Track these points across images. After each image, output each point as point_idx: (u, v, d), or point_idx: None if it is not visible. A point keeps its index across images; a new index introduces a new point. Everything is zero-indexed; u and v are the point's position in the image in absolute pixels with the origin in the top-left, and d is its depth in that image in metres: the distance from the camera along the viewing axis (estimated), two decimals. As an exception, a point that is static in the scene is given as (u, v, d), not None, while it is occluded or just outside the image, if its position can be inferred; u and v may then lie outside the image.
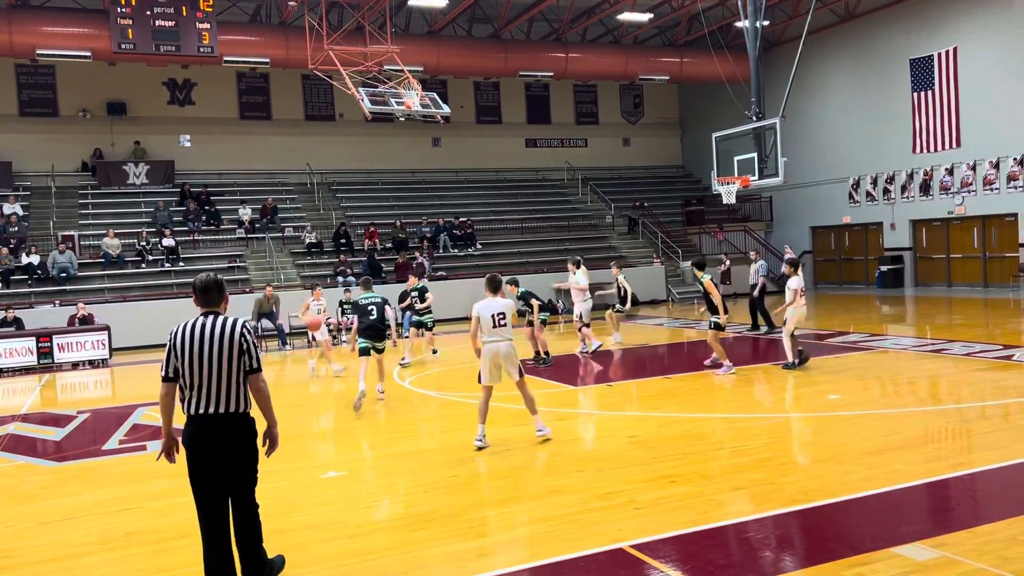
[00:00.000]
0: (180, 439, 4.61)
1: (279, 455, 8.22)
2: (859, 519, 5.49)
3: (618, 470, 6.87)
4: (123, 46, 20.17)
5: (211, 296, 4.74)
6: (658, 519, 5.54)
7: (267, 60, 23.59)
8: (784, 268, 13.07)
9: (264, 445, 4.71)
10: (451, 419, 9.61)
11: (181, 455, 4.66)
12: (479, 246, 26.44)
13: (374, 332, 10.58)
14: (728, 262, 21.44)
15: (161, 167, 26.36)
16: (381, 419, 9.99)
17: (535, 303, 13.86)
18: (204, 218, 24.87)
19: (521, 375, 7.98)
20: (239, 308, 19.55)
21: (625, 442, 7.95)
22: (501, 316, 7.83)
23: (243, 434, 4.57)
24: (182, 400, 4.56)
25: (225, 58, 22.75)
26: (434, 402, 11.04)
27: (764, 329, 16.32)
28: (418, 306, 15.14)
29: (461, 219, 27.23)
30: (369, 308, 10.64)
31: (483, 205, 29.31)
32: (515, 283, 13.99)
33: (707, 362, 12.37)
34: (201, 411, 4.49)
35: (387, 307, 10.96)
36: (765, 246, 29.67)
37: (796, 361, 11.64)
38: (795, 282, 11.94)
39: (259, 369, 4.61)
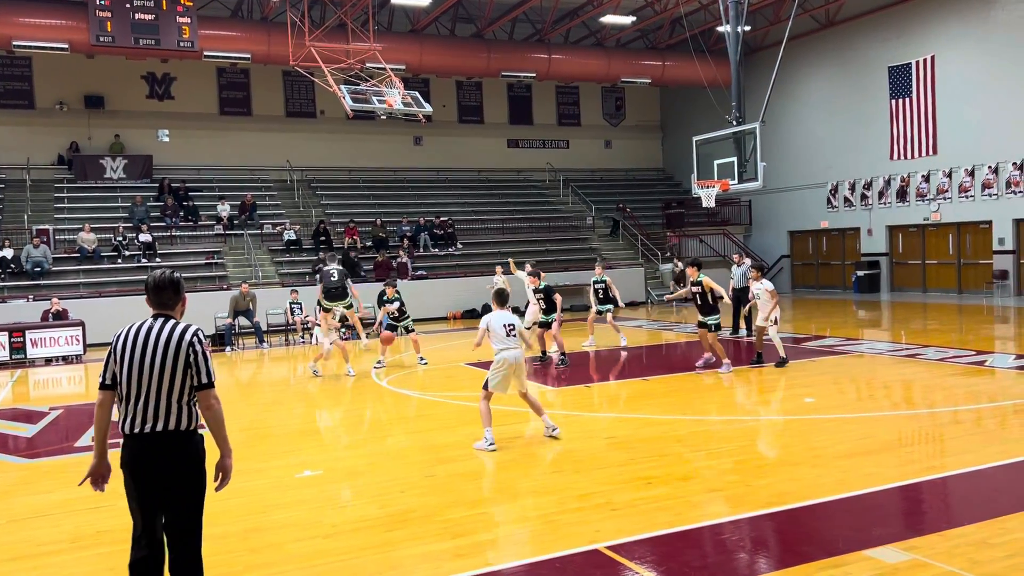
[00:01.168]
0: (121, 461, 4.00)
1: (256, 454, 8.19)
2: (833, 522, 5.54)
3: (595, 471, 6.89)
4: (101, 39, 19.93)
5: (164, 297, 4.11)
6: (634, 520, 5.56)
7: (248, 56, 23.43)
8: (751, 274, 13.14)
9: (216, 480, 4.11)
10: (429, 419, 9.59)
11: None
12: (460, 246, 26.41)
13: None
14: (680, 264, 21.71)
15: (139, 161, 26.09)
16: (359, 418, 9.95)
17: (558, 299, 13.55)
18: (182, 214, 24.65)
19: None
20: (217, 305, 19.41)
21: (603, 443, 7.98)
22: (511, 327, 8.06)
23: (186, 457, 3.95)
24: (118, 416, 3.99)
25: (205, 53, 22.55)
26: (412, 402, 11.01)
27: (743, 332, 16.25)
28: (393, 313, 14.98)
29: (442, 219, 27.19)
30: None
31: (464, 205, 29.28)
32: (536, 275, 13.90)
33: (699, 363, 12.38)
34: (137, 429, 3.89)
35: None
36: (744, 250, 29.87)
37: (786, 357, 12.20)
38: (768, 284, 12.31)
39: (210, 385, 4.01)
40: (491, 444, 7.76)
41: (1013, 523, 5.17)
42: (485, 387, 8.02)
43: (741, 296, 15.75)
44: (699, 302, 12.13)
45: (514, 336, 8.06)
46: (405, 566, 4.96)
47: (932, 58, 23.78)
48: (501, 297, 8.30)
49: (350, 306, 13.85)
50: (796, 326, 17.89)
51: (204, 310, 19.70)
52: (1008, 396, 9.48)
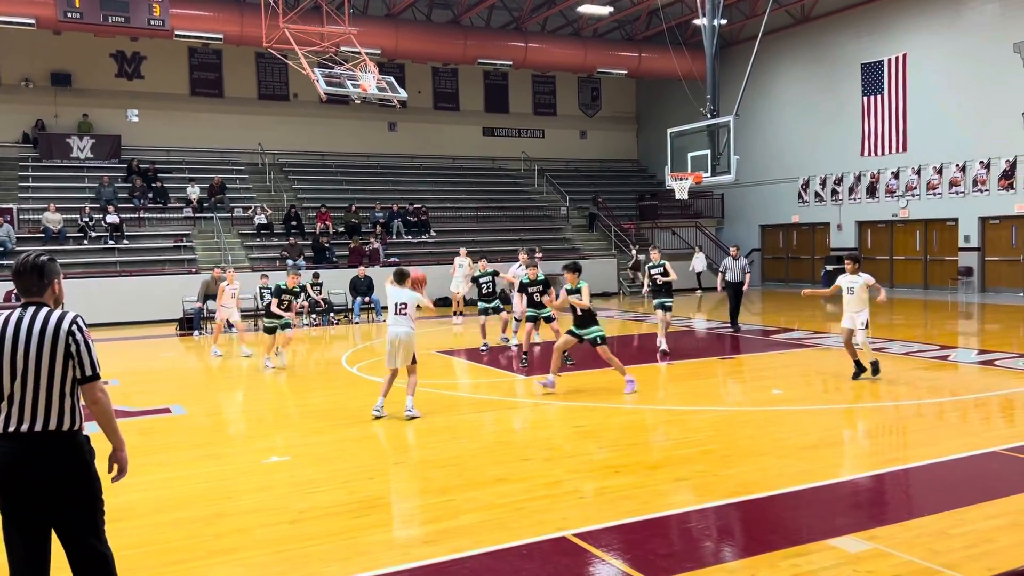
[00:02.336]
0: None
1: (222, 439, 8.12)
2: (797, 511, 5.61)
3: (564, 460, 6.91)
4: (69, 15, 19.52)
5: (28, 283, 3.64)
6: (602, 508, 5.59)
7: (220, 36, 23.08)
8: (847, 266, 12.95)
9: (110, 472, 3.78)
10: (399, 405, 9.54)
11: None
12: (433, 233, 26.31)
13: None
14: (636, 254, 21.91)
15: (107, 142, 25.62)
16: (328, 404, 9.89)
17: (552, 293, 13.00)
18: (151, 195, 24.27)
19: (414, 362, 8.71)
20: (186, 289, 19.17)
21: (572, 432, 8.01)
22: (403, 306, 8.62)
23: (71, 460, 3.54)
24: None
25: (176, 32, 22.19)
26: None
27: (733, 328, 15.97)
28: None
29: (416, 205, 27.05)
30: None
31: (438, 192, 29.15)
32: (535, 266, 12.60)
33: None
34: (12, 428, 3.47)
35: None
36: (715, 243, 30.12)
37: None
38: (869, 278, 12.05)
39: (95, 377, 3.63)
40: (376, 409, 8.59)
41: (972, 514, 5.27)
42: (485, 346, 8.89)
43: (739, 290, 15.78)
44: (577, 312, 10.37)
45: (403, 315, 8.58)
46: (373, 552, 4.94)
47: (904, 56, 24.06)
48: (400, 275, 8.79)
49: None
50: (765, 319, 18.08)
51: (173, 294, 19.49)
52: (970, 390, 9.66)
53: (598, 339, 9.80)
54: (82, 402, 3.67)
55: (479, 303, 14.69)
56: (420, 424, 8.47)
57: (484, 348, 13.91)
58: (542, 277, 12.46)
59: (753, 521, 5.46)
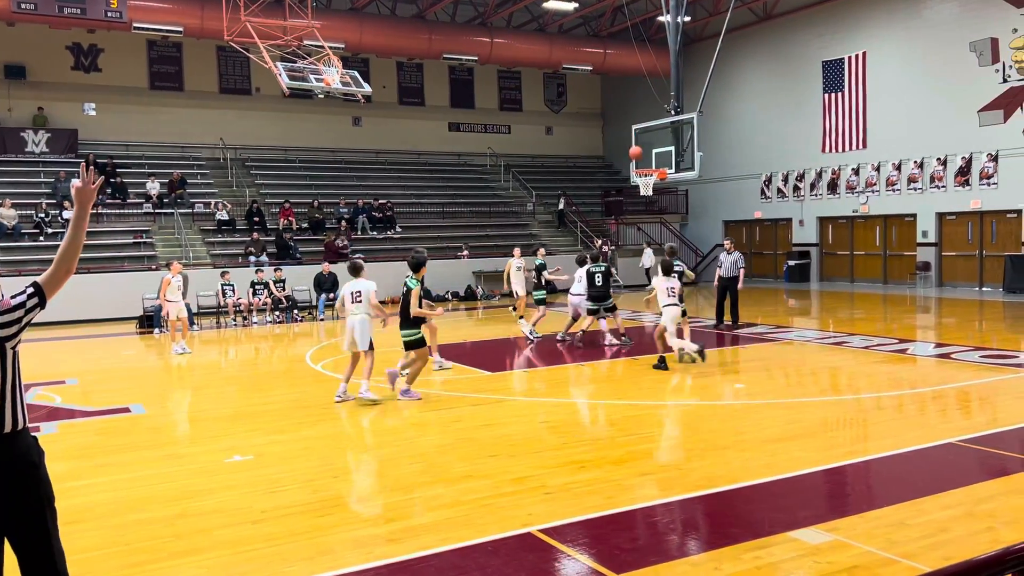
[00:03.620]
0: None
1: (183, 438, 7.99)
2: (759, 504, 5.67)
3: (530, 455, 6.92)
4: (23, 6, 19.05)
5: None
6: (567, 504, 5.60)
7: (180, 29, 22.68)
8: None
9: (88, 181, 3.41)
10: (362, 403, 9.47)
11: None
12: (399, 229, 26.17)
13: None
14: (601, 245, 22.14)
15: (63, 136, 25.08)
16: (292, 403, 9.78)
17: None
18: (109, 191, 23.81)
19: (371, 348, 9.27)
20: (145, 286, 18.84)
21: (538, 428, 8.02)
22: (357, 294, 9.31)
23: (19, 461, 3.28)
24: None
25: (135, 24, 21.76)
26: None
27: (725, 323, 15.71)
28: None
29: (381, 201, 26.87)
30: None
31: (404, 188, 29.00)
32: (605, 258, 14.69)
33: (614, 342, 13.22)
34: None
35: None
36: (680, 238, 30.36)
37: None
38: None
39: (38, 294, 3.34)
40: (338, 396, 9.16)
41: (928, 504, 5.37)
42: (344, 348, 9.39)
43: (728, 285, 15.37)
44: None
45: (359, 303, 9.26)
46: (337, 551, 4.90)
47: (864, 54, 24.45)
48: (354, 268, 9.59)
49: None
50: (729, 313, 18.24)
51: (132, 291, 19.14)
52: (927, 383, 9.85)
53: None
54: (27, 401, 3.50)
55: (535, 293, 15.46)
56: (386, 421, 8.42)
57: (534, 337, 14.35)
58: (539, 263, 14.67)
59: (717, 514, 5.51)
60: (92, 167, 3.31)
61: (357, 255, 23.86)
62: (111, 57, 26.29)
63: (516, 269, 15.73)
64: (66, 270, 3.36)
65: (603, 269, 13.62)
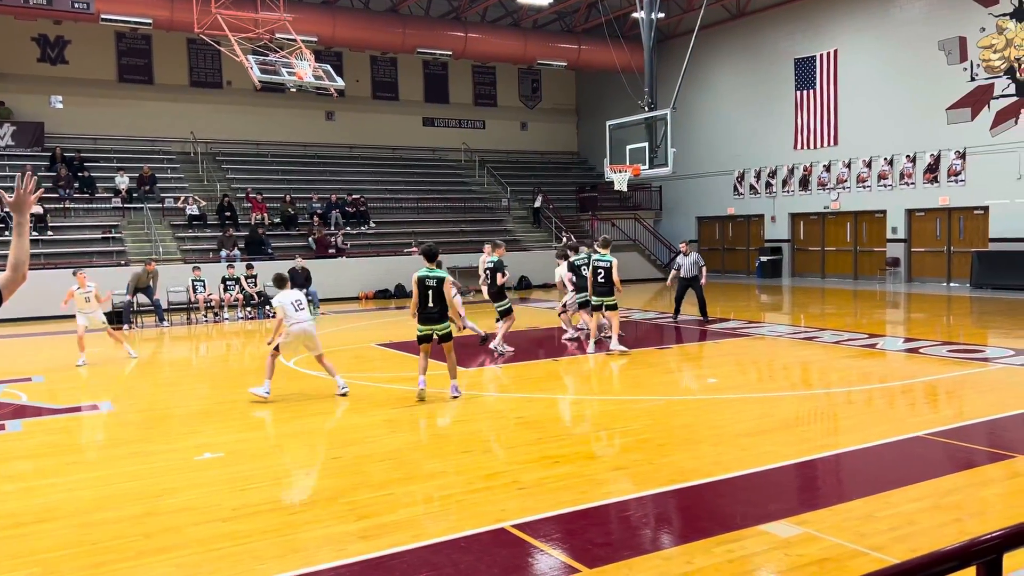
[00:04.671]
0: None
1: (153, 435, 7.88)
2: (731, 498, 5.71)
3: (503, 451, 6.91)
4: (-13, -5, 18.67)
5: None
6: (540, 499, 5.60)
7: (149, 21, 22.37)
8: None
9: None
10: (335, 400, 9.42)
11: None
12: (372, 224, 26.03)
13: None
14: (566, 240, 22.28)
15: (29, 129, 24.62)
16: (263, 400, 9.69)
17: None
18: (77, 185, 23.43)
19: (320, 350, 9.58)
20: (115, 282, 18.55)
21: (512, 423, 8.01)
22: (299, 302, 9.49)
23: None
24: None
25: (102, 16, 21.42)
26: (320, 383, 10.79)
27: (684, 318, 16.16)
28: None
29: (354, 196, 26.70)
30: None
31: (377, 183, 28.83)
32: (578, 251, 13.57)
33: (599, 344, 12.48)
34: None
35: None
36: (654, 234, 30.51)
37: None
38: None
39: None
40: (267, 392, 9.20)
41: (896, 497, 5.44)
42: (276, 348, 9.44)
43: (691, 284, 15.72)
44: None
45: (303, 310, 9.47)
46: (308, 549, 4.86)
47: (835, 52, 24.69)
48: (280, 280, 9.76)
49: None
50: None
51: (101, 287, 18.78)
52: (896, 377, 9.98)
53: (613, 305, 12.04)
54: None
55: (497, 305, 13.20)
56: (359, 418, 8.37)
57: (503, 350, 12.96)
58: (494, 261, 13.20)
59: (689, 508, 5.54)
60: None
61: (330, 250, 23.70)
62: (78, 49, 25.86)
63: (485, 268, 14.87)
64: (22, 276, 3.26)
65: (608, 263, 12.14)
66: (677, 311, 16.22)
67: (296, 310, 9.42)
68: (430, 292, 9.08)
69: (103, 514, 5.60)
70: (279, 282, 9.81)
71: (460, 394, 9.11)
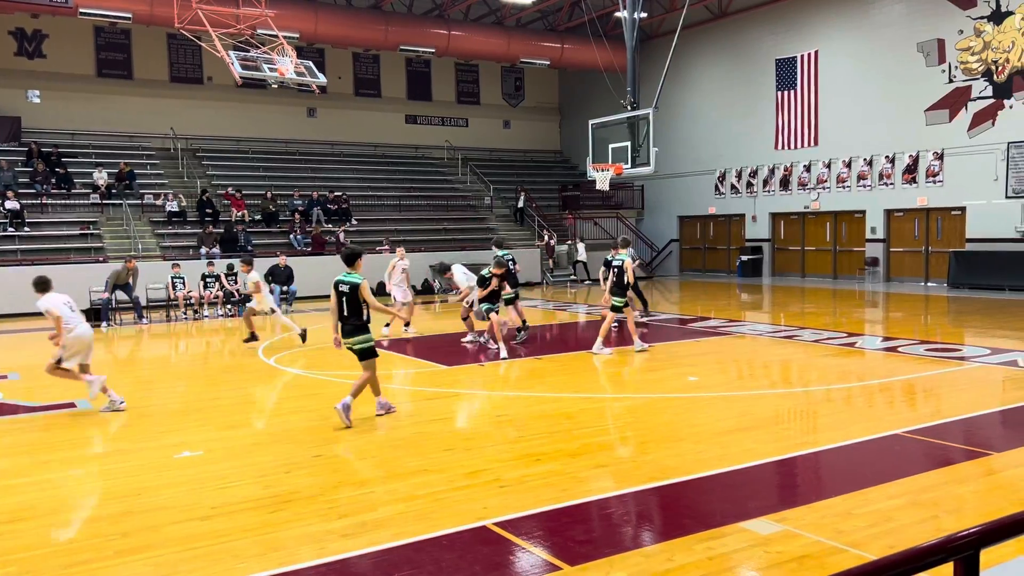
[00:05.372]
0: None
1: (131, 434, 7.81)
2: (712, 495, 5.74)
3: (485, 449, 6.90)
4: (-37, -13, 18.39)
5: None
6: (522, 497, 5.60)
7: (128, 15, 22.13)
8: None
9: None
10: (317, 398, 9.37)
11: None
12: (354, 221, 25.92)
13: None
14: (547, 238, 22.38)
15: (5, 123, 24.32)
16: (243, 398, 9.63)
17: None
18: (54, 181, 23.15)
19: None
20: (93, 279, 18.36)
21: (494, 421, 8.01)
22: (70, 303, 8.90)
23: None
24: None
25: (81, 10, 21.18)
26: (299, 381, 10.74)
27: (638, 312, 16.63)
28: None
29: (336, 193, 26.58)
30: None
31: (359, 180, 28.72)
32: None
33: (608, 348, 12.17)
34: None
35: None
36: (636, 233, 30.61)
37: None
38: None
39: None
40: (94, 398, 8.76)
41: (875, 494, 5.49)
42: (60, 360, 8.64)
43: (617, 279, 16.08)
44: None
45: (77, 311, 8.97)
46: (289, 547, 4.83)
47: (815, 53, 24.87)
48: (43, 284, 8.94)
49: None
50: (682, 308, 18.48)
51: (79, 283, 18.60)
52: (875, 375, 10.07)
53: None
54: None
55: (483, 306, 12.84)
56: (338, 416, 8.33)
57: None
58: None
59: (670, 506, 5.57)
60: None
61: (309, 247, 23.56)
62: (56, 43, 25.55)
63: (401, 272, 14.48)
64: None
65: (621, 262, 12.02)
66: (646, 308, 17.04)
67: (72, 311, 8.68)
68: (344, 299, 7.87)
69: (80, 513, 5.55)
70: (40, 286, 8.80)
71: (392, 410, 8.14)
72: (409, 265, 14.85)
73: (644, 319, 15.96)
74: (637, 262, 17.15)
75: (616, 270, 12.03)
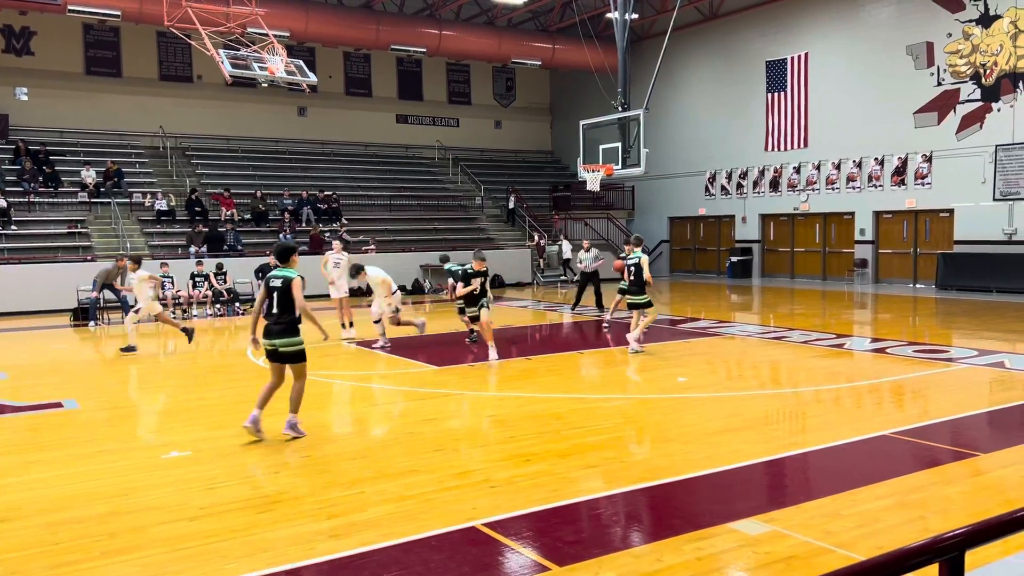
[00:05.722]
0: None
1: (118, 434, 7.76)
2: (701, 496, 5.75)
3: (475, 449, 6.90)
4: (-50, -16, 18.25)
5: None
6: (512, 497, 5.60)
7: (118, 13, 22.02)
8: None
9: None
10: (305, 398, 9.33)
11: None
12: (344, 221, 25.86)
13: None
14: (538, 239, 22.61)
15: (-7, 121, 24.16)
16: (233, 398, 9.59)
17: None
18: (42, 179, 23.01)
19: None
20: (81, 278, 18.26)
21: (484, 421, 8.00)
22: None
23: None
24: None
25: (69, 7, 21.07)
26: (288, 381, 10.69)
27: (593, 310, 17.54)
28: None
29: (326, 193, 26.52)
30: None
31: (350, 180, 28.67)
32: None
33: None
34: None
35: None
36: (627, 234, 30.62)
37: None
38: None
39: None
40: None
41: (863, 495, 5.51)
42: None
43: (590, 278, 17.52)
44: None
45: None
46: (277, 548, 4.81)
47: (806, 55, 24.97)
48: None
49: None
50: (673, 308, 18.52)
51: (66, 282, 18.53)
52: (864, 376, 10.12)
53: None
54: None
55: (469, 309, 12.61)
56: (327, 416, 8.31)
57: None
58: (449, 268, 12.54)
59: (659, 506, 5.57)
60: None
61: (301, 247, 23.48)
62: (45, 40, 25.40)
63: (333, 266, 14.31)
64: None
65: (637, 260, 12.02)
66: (576, 304, 17.91)
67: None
68: (275, 295, 7.33)
69: (67, 513, 5.51)
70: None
71: (301, 434, 7.36)
72: (344, 260, 14.39)
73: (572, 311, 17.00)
74: (600, 261, 17.78)
75: (633, 268, 11.97)
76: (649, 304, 12.03)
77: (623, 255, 12.69)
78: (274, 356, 7.34)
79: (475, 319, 12.31)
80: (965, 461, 6.37)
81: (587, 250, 17.82)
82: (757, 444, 6.91)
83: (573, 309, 17.82)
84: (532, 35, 29.69)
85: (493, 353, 11.64)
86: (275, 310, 7.32)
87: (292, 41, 25.39)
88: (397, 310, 12.77)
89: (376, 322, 12.84)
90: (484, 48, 28.55)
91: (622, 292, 13.25)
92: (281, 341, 7.25)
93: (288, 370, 7.38)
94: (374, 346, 12.87)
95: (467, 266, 12.38)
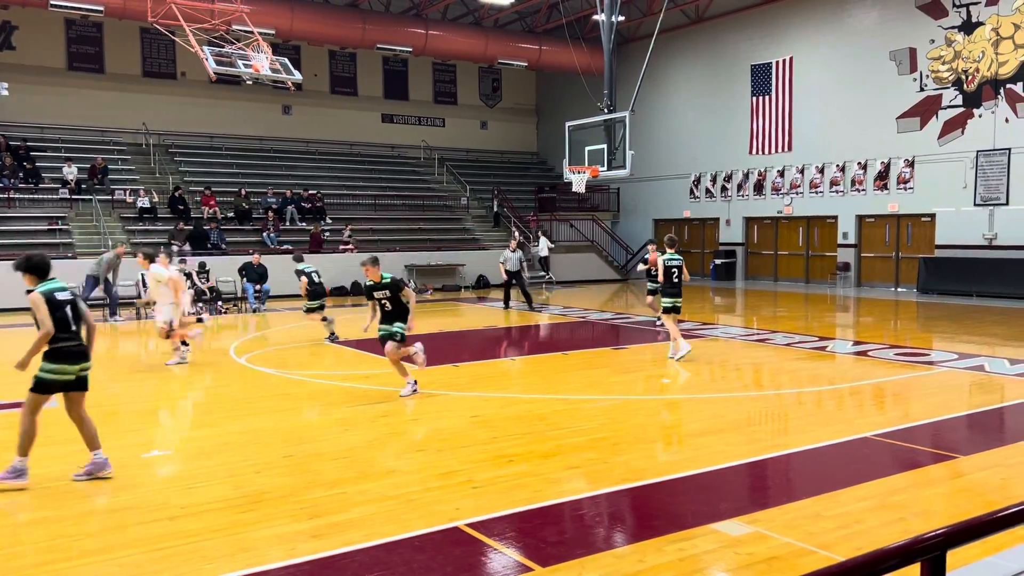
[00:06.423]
0: None
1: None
2: (683, 497, 5.77)
3: (458, 450, 6.88)
4: (-70, -24, 18.03)
5: None
6: (495, 498, 5.59)
7: (100, 8, 21.82)
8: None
9: None
10: (290, 398, 9.29)
11: None
12: (329, 220, 25.75)
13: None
14: (519, 236, 22.90)
15: (-27, 116, 23.88)
16: (215, 397, 9.53)
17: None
18: (22, 175, 22.76)
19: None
20: (62, 274, 18.01)
21: (468, 422, 7.98)
22: None
23: None
24: None
25: (51, 2, 20.86)
26: (272, 380, 10.64)
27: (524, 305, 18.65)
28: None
29: (310, 191, 26.40)
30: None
31: (334, 179, 28.55)
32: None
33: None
34: None
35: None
36: (612, 236, 30.72)
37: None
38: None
39: None
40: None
41: (844, 496, 5.54)
42: None
43: (514, 276, 18.63)
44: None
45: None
46: (258, 548, 4.78)
47: (791, 59, 25.12)
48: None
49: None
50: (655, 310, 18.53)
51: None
52: (845, 379, 10.18)
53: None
54: None
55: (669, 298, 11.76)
56: (311, 416, 8.27)
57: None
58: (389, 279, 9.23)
59: (641, 507, 5.58)
60: None
61: (285, 245, 23.37)
62: (26, 35, 25.13)
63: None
64: None
65: (679, 262, 11.51)
66: (506, 302, 18.92)
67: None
68: (67, 309, 6.53)
69: (43, 512, 5.45)
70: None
71: (106, 473, 6.16)
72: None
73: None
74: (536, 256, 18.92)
75: (676, 270, 11.39)
76: (675, 309, 11.52)
77: (666, 257, 11.57)
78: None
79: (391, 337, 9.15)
80: (945, 463, 6.42)
81: (513, 250, 18.81)
82: (739, 445, 6.93)
83: (505, 308, 18.80)
84: (519, 36, 29.70)
85: (407, 388, 9.15)
86: (72, 328, 6.54)
87: (277, 39, 25.25)
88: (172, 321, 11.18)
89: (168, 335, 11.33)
90: (470, 48, 28.53)
91: (654, 293, 13.37)
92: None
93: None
94: (168, 363, 11.53)
95: (309, 268, 13.30)
